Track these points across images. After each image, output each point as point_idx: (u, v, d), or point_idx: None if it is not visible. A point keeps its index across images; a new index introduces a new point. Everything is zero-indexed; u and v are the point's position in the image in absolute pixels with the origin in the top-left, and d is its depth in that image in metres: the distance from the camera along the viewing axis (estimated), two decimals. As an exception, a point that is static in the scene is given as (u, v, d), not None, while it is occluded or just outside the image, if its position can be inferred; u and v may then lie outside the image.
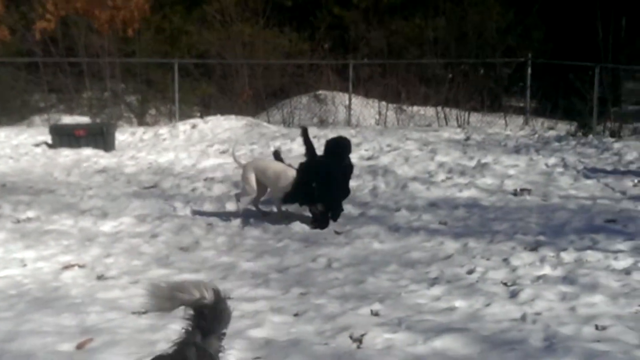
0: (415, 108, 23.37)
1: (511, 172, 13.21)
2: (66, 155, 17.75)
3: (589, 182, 12.43)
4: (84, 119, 21.86)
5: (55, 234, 9.70)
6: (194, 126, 20.59)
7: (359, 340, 5.72)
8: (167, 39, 28.06)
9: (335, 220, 9.98)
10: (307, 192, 9.88)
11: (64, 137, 18.68)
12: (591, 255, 7.98)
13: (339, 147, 10.33)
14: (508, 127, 20.38)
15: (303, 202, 10.20)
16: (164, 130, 20.22)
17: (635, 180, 12.28)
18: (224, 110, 22.48)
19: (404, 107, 23.32)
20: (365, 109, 22.95)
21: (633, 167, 13.64)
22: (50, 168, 16.25)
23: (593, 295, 6.71)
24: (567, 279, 7.25)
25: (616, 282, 7.12)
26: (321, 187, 9.79)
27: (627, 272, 7.46)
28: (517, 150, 15.94)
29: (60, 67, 24.58)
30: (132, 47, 25.99)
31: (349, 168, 10.56)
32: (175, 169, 15.28)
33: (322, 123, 21.81)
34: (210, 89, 25.19)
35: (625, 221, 9.49)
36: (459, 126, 21.11)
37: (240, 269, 7.87)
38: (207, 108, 24.72)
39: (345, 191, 10.43)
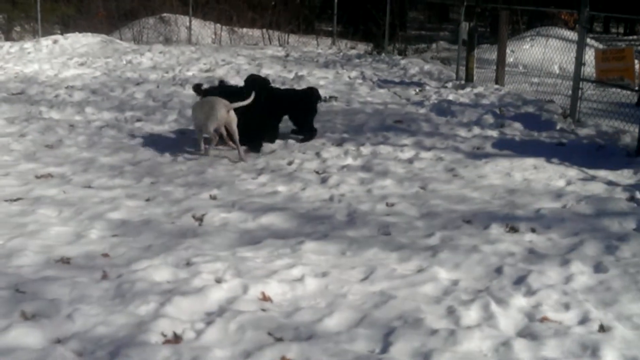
0: (244, 29, 23.04)
1: (322, 82, 13.26)
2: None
3: (381, 91, 12.68)
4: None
5: None
6: (55, 42, 19.37)
7: (200, 219, 5.70)
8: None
9: (255, 151, 8.18)
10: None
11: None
12: (383, 149, 8.22)
13: (250, 83, 8.68)
14: (319, 47, 20.45)
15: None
16: (28, 45, 18.89)
17: (417, 89, 12.66)
18: (81, 29, 21.27)
19: (236, 28, 22.89)
20: (203, 29, 22.37)
21: (415, 79, 14.02)
22: None
23: (385, 179, 6.95)
24: (365, 168, 7.46)
25: (402, 169, 7.40)
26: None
27: (410, 161, 7.76)
28: (326, 65, 16.02)
29: None
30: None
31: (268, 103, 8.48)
32: (40, 78, 14.36)
33: (167, 41, 21.09)
34: (70, 9, 23.67)
35: (409, 122, 9.79)
36: (280, 45, 20.99)
37: (99, 162, 7.56)
38: (67, 27, 23.25)
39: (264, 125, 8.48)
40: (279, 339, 3.54)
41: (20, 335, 3.46)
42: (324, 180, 6.95)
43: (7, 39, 22.15)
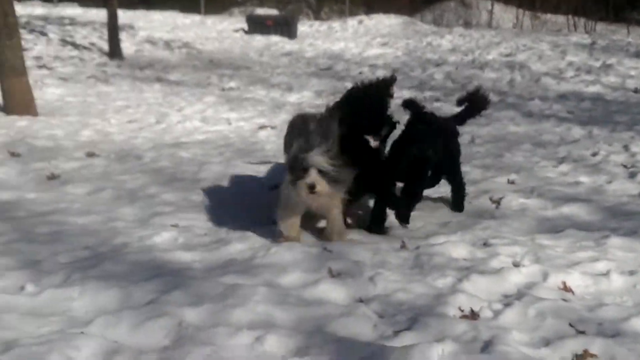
0: (548, 15, 22.22)
1: (632, 72, 12.35)
2: (258, 40, 17.94)
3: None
4: (273, 11, 21.93)
5: (252, 101, 9.89)
6: (360, 22, 20.34)
7: (497, 202, 5.59)
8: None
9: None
10: None
11: (257, 25, 18.85)
12: None
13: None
14: (630, 36, 19.02)
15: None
16: (335, 24, 20.08)
17: None
18: (385, 10, 22.01)
19: (538, 14, 22.16)
20: (504, 14, 22.01)
21: None
22: (246, 50, 16.48)
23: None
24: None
25: None
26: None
27: None
28: (637, 55, 14.85)
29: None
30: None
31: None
32: (345, 55, 15.17)
33: (467, 24, 21.04)
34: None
35: None
36: (586, 32, 19.88)
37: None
38: (371, 8, 24.20)
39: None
40: (581, 332, 3.35)
41: (327, 290, 3.66)
42: (632, 175, 6.46)
43: (317, 18, 23.71)
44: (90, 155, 6.73)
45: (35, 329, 3.17)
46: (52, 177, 5.89)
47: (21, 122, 8.13)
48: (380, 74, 12.40)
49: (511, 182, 6.19)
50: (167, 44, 16.83)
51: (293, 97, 10.21)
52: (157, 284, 3.65)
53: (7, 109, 8.55)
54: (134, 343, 3.11)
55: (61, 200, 5.23)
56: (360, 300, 3.59)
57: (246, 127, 8.26)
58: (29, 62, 11.26)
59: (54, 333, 3.13)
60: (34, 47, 14.56)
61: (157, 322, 3.22)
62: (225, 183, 5.84)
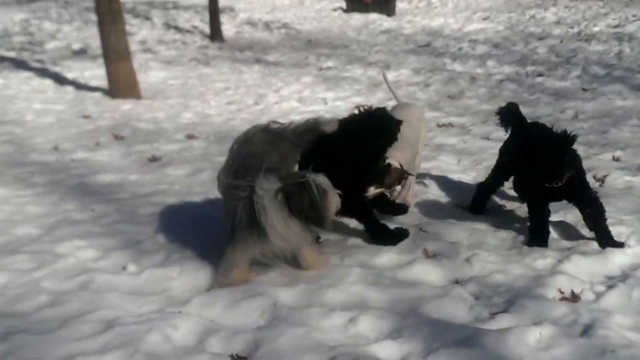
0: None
1: None
2: (357, 18, 17.85)
3: None
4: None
5: (349, 80, 9.86)
6: (460, -4, 19.90)
7: (601, 180, 5.35)
8: None
9: None
10: None
11: (355, 3, 18.74)
12: None
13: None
14: None
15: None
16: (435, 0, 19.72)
17: None
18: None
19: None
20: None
21: None
22: (344, 28, 16.43)
23: None
24: None
25: None
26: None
27: None
28: None
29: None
30: None
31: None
32: (444, 31, 14.88)
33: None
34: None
35: None
36: None
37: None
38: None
39: None
40: (690, 317, 3.18)
41: (422, 271, 3.61)
42: None
43: (416, -7, 23.30)
44: (190, 137, 6.89)
45: (136, 308, 3.28)
46: (154, 159, 6.07)
47: (125, 105, 8.41)
48: (481, 49, 12.13)
49: (616, 159, 5.90)
50: (267, 25, 16.99)
51: (390, 75, 10.10)
52: (252, 264, 3.70)
53: (112, 93, 8.86)
54: (229, 322, 3.16)
55: (161, 182, 5.38)
56: (456, 282, 3.53)
57: (342, 107, 8.24)
58: (134, 47, 11.64)
59: (153, 312, 3.22)
60: (138, 32, 15.01)
61: (252, 302, 3.26)
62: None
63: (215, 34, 14.80)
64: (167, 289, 3.46)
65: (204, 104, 8.49)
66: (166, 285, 3.47)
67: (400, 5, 19.14)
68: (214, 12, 14.85)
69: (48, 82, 9.86)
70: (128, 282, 3.55)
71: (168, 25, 16.08)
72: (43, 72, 10.54)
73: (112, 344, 2.91)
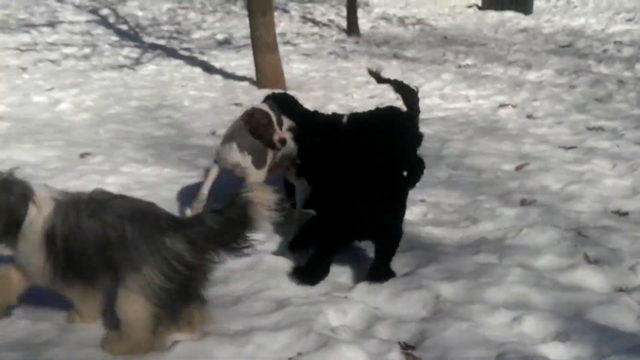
0: None
1: None
2: (492, 16, 17.54)
3: None
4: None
5: (490, 79, 9.72)
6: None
7: None
8: None
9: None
10: None
11: (491, 0, 18.45)
12: None
13: None
14: None
15: None
16: (575, -1, 19.10)
17: None
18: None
19: None
20: None
21: None
22: (480, 26, 16.18)
23: None
24: None
25: None
26: None
27: None
28: None
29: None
30: None
31: None
32: (586, 32, 14.39)
33: None
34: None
35: None
36: None
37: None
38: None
39: None
40: None
41: (584, 276, 3.55)
42: None
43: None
44: (337, 128, 7.02)
45: (304, 290, 3.41)
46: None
47: (272, 95, 8.65)
48: (627, 52, 11.66)
49: None
50: (401, 20, 16.97)
51: (532, 75, 9.89)
52: (412, 257, 3.76)
53: (259, 83, 9.14)
54: (393, 311, 3.24)
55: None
56: (621, 290, 3.45)
57: (485, 105, 8.15)
58: (275, 39, 11.92)
59: (321, 295, 3.35)
60: (278, 24, 15.31)
61: (414, 294, 3.33)
62: (467, 161, 5.82)
63: (352, 28, 14.91)
64: (334, 274, 3.56)
65: (347, 97, 8.60)
66: (333, 270, 3.57)
67: (537, 4, 18.64)
68: (352, 6, 14.97)
69: (198, 71, 10.27)
70: (293, 264, 3.68)
71: (305, 19, 16.35)
72: (192, 61, 10.99)
73: (284, 321, 3.05)
